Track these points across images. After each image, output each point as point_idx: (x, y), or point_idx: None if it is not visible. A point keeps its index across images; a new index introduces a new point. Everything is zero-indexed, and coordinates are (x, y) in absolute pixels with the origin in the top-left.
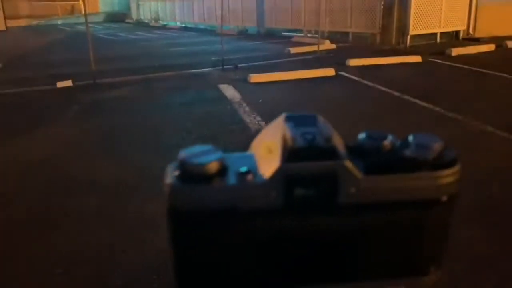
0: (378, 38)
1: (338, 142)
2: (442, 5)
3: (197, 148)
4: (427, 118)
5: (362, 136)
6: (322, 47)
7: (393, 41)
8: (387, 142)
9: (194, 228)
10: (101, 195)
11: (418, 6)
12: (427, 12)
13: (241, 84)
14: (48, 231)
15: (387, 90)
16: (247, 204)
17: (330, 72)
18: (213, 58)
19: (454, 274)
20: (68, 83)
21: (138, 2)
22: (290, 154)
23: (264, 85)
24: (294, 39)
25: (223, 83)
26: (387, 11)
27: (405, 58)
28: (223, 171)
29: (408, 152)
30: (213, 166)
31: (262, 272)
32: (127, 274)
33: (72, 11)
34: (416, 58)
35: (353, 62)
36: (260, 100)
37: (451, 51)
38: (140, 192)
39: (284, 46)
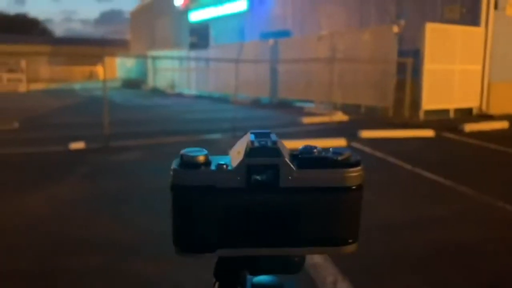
0: (390, 112)
1: (284, 149)
2: (454, 81)
3: (192, 148)
4: (437, 190)
5: (301, 148)
6: (334, 118)
7: (406, 115)
8: (316, 150)
9: (188, 199)
10: (101, 255)
11: (431, 82)
12: (440, 88)
13: None
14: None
15: (398, 162)
16: (221, 184)
17: (341, 142)
18: (225, 125)
19: None
20: (81, 145)
21: (154, 70)
22: (249, 151)
23: None
24: (306, 110)
25: None
26: (400, 85)
27: (417, 132)
28: (208, 162)
29: (327, 156)
30: (201, 158)
31: (231, 232)
32: None
33: (91, 76)
34: (429, 133)
35: (365, 134)
36: None
37: (464, 127)
38: (141, 254)
39: (296, 115)
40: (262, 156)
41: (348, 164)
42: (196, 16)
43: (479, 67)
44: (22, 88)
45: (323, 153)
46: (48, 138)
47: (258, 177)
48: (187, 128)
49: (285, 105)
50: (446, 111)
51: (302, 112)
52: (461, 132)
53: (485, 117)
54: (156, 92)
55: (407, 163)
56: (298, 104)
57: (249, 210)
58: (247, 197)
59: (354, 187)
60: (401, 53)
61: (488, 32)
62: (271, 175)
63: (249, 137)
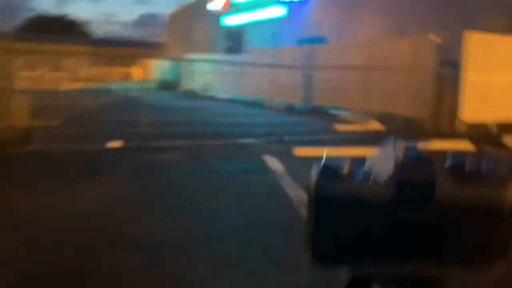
0: (428, 122)
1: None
2: (496, 93)
3: (331, 160)
4: None
5: (450, 157)
6: (369, 127)
7: (444, 126)
8: (467, 165)
9: (333, 210)
10: (140, 254)
11: (471, 94)
12: (482, 99)
13: (286, 157)
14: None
15: None
16: (369, 197)
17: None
18: (259, 130)
19: None
20: (119, 143)
21: (189, 73)
22: (402, 165)
23: (308, 159)
24: (340, 117)
25: (268, 154)
26: (439, 96)
27: (455, 144)
28: (351, 172)
29: (480, 171)
30: (345, 169)
31: (373, 245)
32: None
33: (127, 77)
34: (467, 145)
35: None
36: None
37: (506, 141)
38: (180, 255)
39: (330, 123)
40: (416, 171)
41: (500, 178)
42: (230, 20)
43: None
44: (63, 86)
45: (478, 166)
46: (88, 135)
47: (409, 193)
48: (221, 131)
49: (319, 112)
50: (488, 124)
51: (336, 119)
52: (502, 146)
53: None
54: (190, 94)
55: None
56: (333, 112)
57: (395, 225)
58: (395, 212)
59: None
60: (444, 63)
61: None
62: (425, 193)
63: (397, 144)
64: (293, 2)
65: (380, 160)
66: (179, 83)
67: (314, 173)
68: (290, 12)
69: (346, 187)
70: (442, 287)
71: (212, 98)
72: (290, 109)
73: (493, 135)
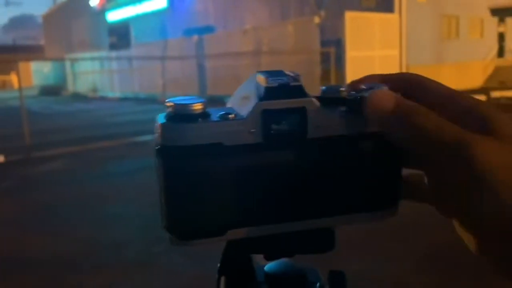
0: None
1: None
2: (375, 67)
3: (183, 97)
4: None
5: (323, 88)
6: None
7: None
8: (343, 89)
9: (183, 163)
10: (37, 272)
11: (353, 69)
12: (362, 74)
13: None
14: None
15: None
16: (230, 140)
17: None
18: (153, 127)
19: None
20: (0, 158)
21: (74, 74)
22: (264, 93)
23: None
24: None
25: None
26: (325, 75)
27: None
28: (206, 114)
29: (362, 95)
30: (198, 107)
31: (246, 205)
32: None
33: (4, 85)
34: None
35: None
36: None
37: None
38: (83, 266)
39: None
40: (283, 96)
41: None
42: (114, 16)
43: (396, 52)
44: None
45: (354, 93)
46: None
47: (279, 127)
48: (113, 131)
49: (215, 102)
50: None
51: None
52: None
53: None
54: (78, 97)
55: None
56: (228, 100)
57: (268, 173)
58: (265, 155)
59: None
60: (324, 43)
61: (402, 18)
62: (297, 123)
63: (258, 76)
64: None
65: (239, 96)
66: (64, 87)
67: (158, 118)
68: (174, 3)
69: (200, 130)
70: (334, 244)
71: (102, 99)
72: None
73: None
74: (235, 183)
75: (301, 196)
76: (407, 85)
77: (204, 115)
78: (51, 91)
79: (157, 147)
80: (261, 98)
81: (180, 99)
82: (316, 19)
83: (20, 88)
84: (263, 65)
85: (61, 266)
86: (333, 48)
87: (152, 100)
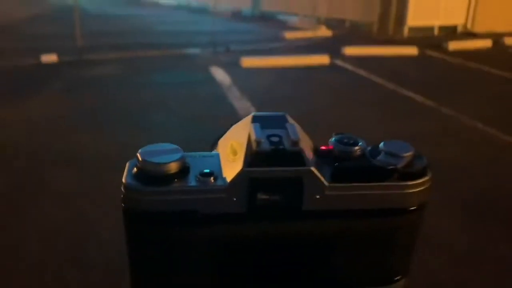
0: (375, 27)
1: (306, 146)
2: None
3: (159, 146)
4: (419, 110)
5: (333, 140)
6: (317, 34)
7: (390, 31)
8: (357, 148)
9: (151, 230)
10: (78, 166)
11: None
12: (426, 3)
13: (233, 67)
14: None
15: (381, 81)
16: (208, 208)
17: (324, 60)
18: (204, 39)
19: None
20: (53, 58)
21: None
22: (253, 158)
23: (256, 69)
24: (289, 23)
25: (213, 65)
26: (386, 0)
27: (401, 50)
28: (184, 171)
29: (377, 160)
30: (173, 166)
31: (220, 277)
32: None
33: None
34: (413, 50)
35: (349, 51)
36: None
37: (448, 45)
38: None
39: (278, 30)
40: (275, 164)
41: (410, 173)
42: None
43: None
44: None
45: (369, 152)
46: (18, 49)
47: (268, 197)
48: (163, 41)
49: (267, 18)
50: (431, 28)
51: (285, 26)
52: (444, 50)
53: (469, 35)
54: (132, 0)
55: (390, 82)
56: (282, 17)
57: (252, 247)
58: (249, 227)
59: (414, 208)
60: None
61: None
62: (290, 194)
63: (251, 126)
64: None
65: (228, 142)
66: None
67: (126, 172)
68: None
69: (173, 196)
70: None
71: (155, 5)
72: (237, 15)
73: (437, 39)
74: (210, 256)
75: (291, 273)
76: None
77: (180, 174)
78: None
79: (122, 206)
80: (250, 164)
81: (155, 151)
82: None
83: None
84: None
85: (100, 164)
86: None
87: (204, 11)
